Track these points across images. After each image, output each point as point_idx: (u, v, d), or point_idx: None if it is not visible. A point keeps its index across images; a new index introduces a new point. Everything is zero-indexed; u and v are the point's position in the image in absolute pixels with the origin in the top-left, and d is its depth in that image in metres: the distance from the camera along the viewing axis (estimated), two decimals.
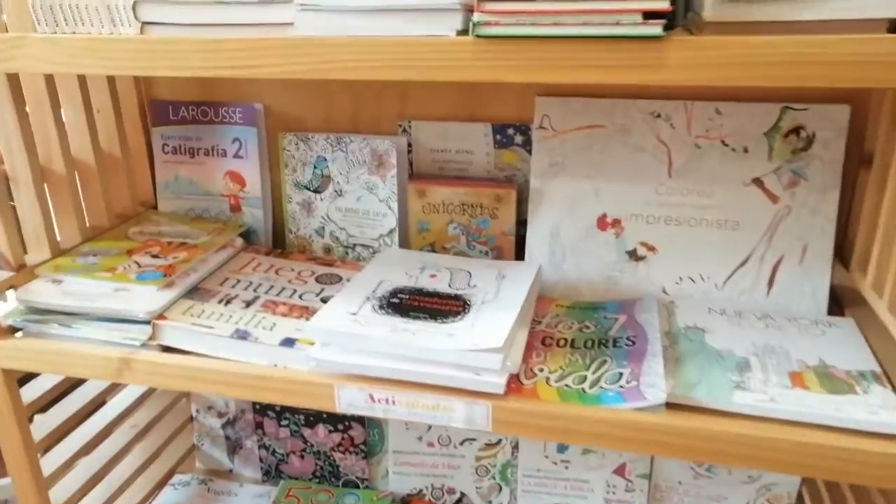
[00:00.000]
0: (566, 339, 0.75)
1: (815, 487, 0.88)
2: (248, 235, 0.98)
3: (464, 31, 0.58)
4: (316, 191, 0.94)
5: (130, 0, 0.67)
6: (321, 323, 0.70)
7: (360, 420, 1.03)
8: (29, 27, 0.72)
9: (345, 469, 1.07)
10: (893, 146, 0.70)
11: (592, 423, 0.63)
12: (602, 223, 0.84)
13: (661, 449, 0.62)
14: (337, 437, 1.05)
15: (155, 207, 1.02)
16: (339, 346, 0.69)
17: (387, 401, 0.67)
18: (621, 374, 0.67)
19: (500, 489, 1.01)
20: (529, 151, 0.87)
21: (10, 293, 0.79)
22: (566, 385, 0.67)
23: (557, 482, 0.97)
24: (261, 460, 1.10)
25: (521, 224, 0.88)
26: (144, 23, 0.67)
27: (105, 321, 0.75)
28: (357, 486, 1.07)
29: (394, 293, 0.76)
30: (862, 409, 0.60)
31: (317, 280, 0.87)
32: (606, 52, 0.54)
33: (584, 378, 0.68)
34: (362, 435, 1.03)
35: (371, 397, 0.68)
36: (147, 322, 0.74)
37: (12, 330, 0.78)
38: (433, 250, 0.92)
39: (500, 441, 0.98)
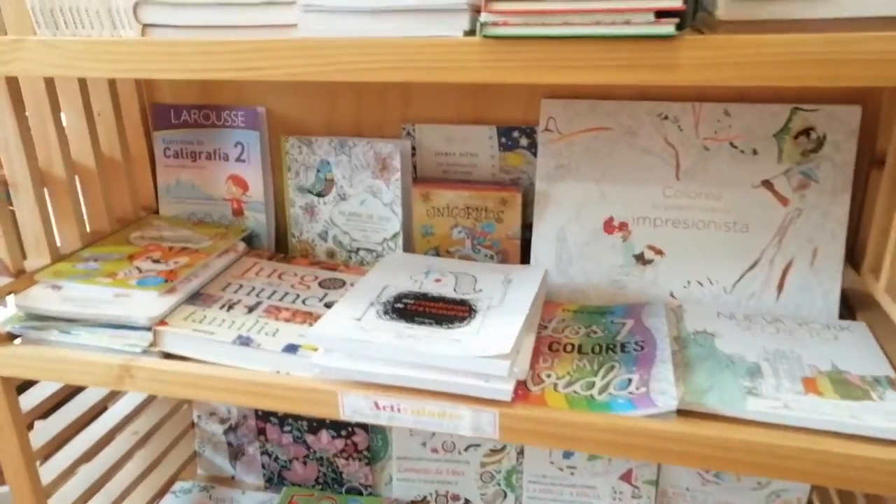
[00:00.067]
0: (573, 345, 0.73)
1: (826, 494, 0.87)
2: (250, 240, 0.97)
3: (471, 32, 0.57)
4: (319, 195, 0.93)
5: (131, 2, 0.66)
6: (325, 329, 0.69)
7: (364, 426, 1.02)
8: (29, 30, 0.71)
9: (348, 475, 1.05)
10: None
11: (602, 431, 0.62)
12: (609, 226, 0.83)
13: (673, 457, 0.61)
14: (340, 443, 1.03)
15: (156, 212, 1.01)
16: (343, 353, 0.68)
17: (392, 408, 0.66)
18: (630, 379, 0.66)
19: (506, 495, 1.00)
20: (535, 154, 0.86)
21: (10, 299, 0.78)
22: (574, 391, 0.66)
23: (563, 488, 0.96)
24: (263, 467, 1.09)
25: (527, 228, 0.87)
26: (145, 25, 0.67)
27: (105, 327, 0.74)
28: (360, 493, 1.06)
29: (398, 298, 0.75)
30: (879, 416, 0.59)
31: (320, 285, 0.86)
32: (618, 52, 0.53)
33: (593, 384, 0.67)
34: (366, 441, 1.02)
35: (376, 405, 0.66)
36: (148, 328, 0.73)
37: (11, 337, 0.77)
38: (438, 254, 0.91)
39: (505, 447, 0.97)
